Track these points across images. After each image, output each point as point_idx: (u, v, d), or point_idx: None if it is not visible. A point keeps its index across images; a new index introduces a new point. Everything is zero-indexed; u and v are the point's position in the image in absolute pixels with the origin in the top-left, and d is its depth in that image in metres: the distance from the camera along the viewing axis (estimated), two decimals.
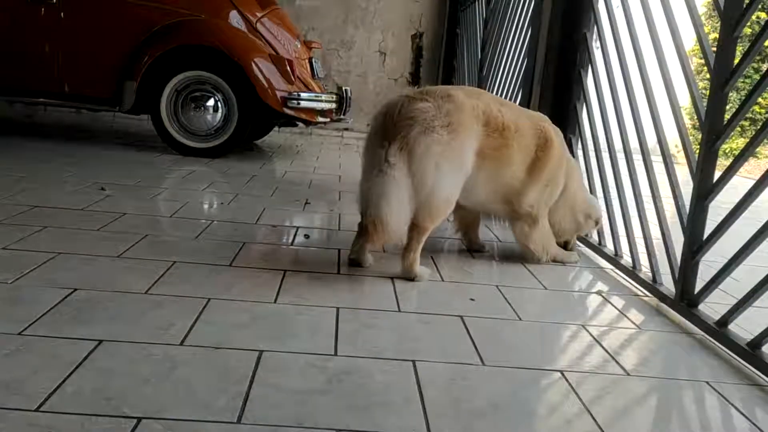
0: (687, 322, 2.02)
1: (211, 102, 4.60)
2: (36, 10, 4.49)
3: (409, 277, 2.19)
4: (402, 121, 2.11)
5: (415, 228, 2.17)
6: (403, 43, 7.43)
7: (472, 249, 2.68)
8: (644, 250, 2.39)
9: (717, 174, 1.97)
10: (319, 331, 1.69)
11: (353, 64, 7.41)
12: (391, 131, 2.11)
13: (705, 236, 2.01)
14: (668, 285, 2.21)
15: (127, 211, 2.79)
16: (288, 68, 4.60)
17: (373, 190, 2.06)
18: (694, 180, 2.01)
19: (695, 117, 2.06)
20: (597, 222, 2.71)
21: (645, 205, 2.45)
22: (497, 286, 2.23)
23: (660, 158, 2.26)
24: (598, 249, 2.79)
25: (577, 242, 3.00)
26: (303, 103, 4.61)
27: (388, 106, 2.20)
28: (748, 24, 1.94)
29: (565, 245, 2.70)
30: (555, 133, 2.47)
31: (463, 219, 2.65)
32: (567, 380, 1.54)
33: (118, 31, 4.55)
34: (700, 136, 2.02)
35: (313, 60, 5.38)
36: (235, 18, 4.67)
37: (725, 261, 1.88)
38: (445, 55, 7.23)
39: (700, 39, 2.04)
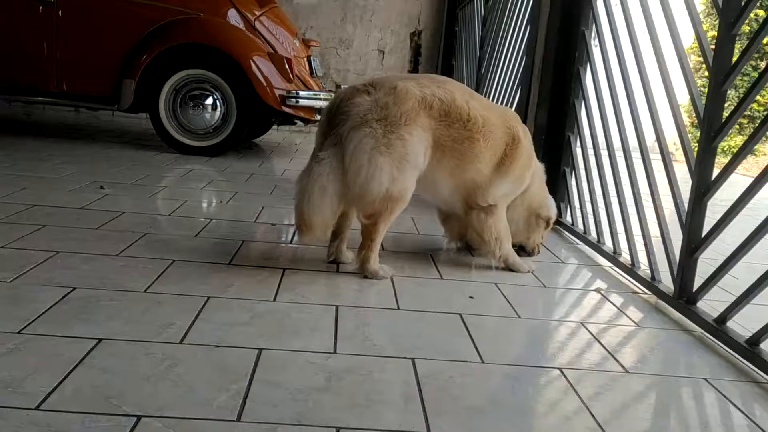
0: (685, 319, 2.03)
1: (209, 100, 4.60)
2: (34, 8, 4.48)
3: (363, 274, 2.17)
4: (337, 116, 2.12)
5: (362, 225, 2.17)
6: (402, 41, 7.42)
7: (473, 248, 2.67)
8: (643, 247, 2.39)
9: (715, 171, 1.97)
10: (318, 329, 1.69)
11: (352, 62, 7.40)
12: (328, 126, 2.15)
13: (703, 234, 2.01)
14: (667, 282, 2.21)
15: (126, 210, 2.79)
16: (286, 66, 4.60)
17: (300, 185, 2.10)
18: (692, 177, 2.02)
19: (694, 115, 2.06)
20: (547, 222, 2.62)
21: (643, 202, 2.45)
22: (496, 284, 2.24)
23: (658, 156, 2.27)
24: (597, 247, 2.79)
25: (577, 240, 3.00)
26: (302, 102, 4.61)
27: (333, 98, 2.22)
28: (747, 21, 1.94)
29: (521, 249, 2.62)
30: (524, 133, 2.40)
31: (453, 229, 2.61)
32: (566, 377, 1.54)
33: (116, 30, 4.55)
34: (698, 134, 2.02)
35: (312, 58, 5.37)
36: (233, 16, 4.67)
37: (724, 258, 1.88)
38: (443, 53, 7.23)
39: (699, 37, 2.04)
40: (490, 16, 5.06)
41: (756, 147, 7.97)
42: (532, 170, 2.47)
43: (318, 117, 4.87)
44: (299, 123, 5.19)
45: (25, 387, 1.26)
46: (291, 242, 2.57)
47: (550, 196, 2.66)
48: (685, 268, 2.06)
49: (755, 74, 8.55)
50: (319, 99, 4.79)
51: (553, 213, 2.64)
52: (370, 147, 2.03)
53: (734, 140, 9.07)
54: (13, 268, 1.93)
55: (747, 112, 9.29)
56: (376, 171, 2.04)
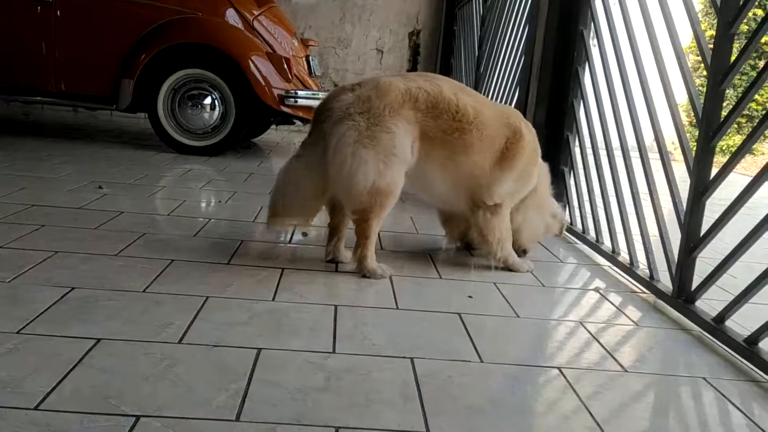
0: (684, 318, 2.03)
1: (208, 100, 4.60)
2: (32, 8, 4.48)
3: (362, 273, 2.17)
4: (322, 113, 2.14)
5: (355, 224, 2.17)
6: (400, 41, 7.42)
7: (472, 247, 2.67)
8: (641, 247, 2.40)
9: (714, 171, 1.98)
10: (317, 329, 1.69)
11: (350, 62, 7.40)
12: (314, 122, 2.19)
13: (702, 233, 2.01)
14: (665, 282, 2.21)
15: (125, 210, 2.79)
16: (285, 66, 4.60)
17: (278, 178, 2.19)
18: (691, 177, 2.02)
19: (692, 114, 2.06)
20: (562, 224, 2.62)
21: (642, 202, 2.46)
22: (495, 284, 2.24)
23: (657, 155, 2.27)
24: (596, 246, 2.79)
25: (576, 239, 3.01)
26: (300, 101, 4.61)
27: (322, 99, 2.27)
28: (745, 21, 1.94)
29: (524, 253, 2.60)
30: (527, 129, 2.37)
31: (454, 231, 2.60)
32: (565, 377, 1.54)
33: (114, 30, 4.55)
34: (697, 133, 2.02)
35: (310, 58, 5.37)
36: (232, 16, 4.66)
37: (722, 257, 1.89)
38: (442, 52, 7.22)
39: (697, 36, 2.05)
40: (488, 15, 5.06)
41: (754, 146, 7.98)
42: (538, 167, 2.44)
43: None
44: (298, 122, 5.19)
45: (24, 387, 1.26)
46: (290, 242, 2.57)
47: (555, 201, 2.65)
48: (683, 267, 2.07)
49: (753, 73, 8.56)
50: (318, 99, 4.78)
51: (565, 216, 2.64)
52: (353, 140, 2.03)
53: (733, 139, 9.08)
54: (12, 268, 1.93)
55: (745, 111, 9.30)
56: (360, 164, 2.03)
